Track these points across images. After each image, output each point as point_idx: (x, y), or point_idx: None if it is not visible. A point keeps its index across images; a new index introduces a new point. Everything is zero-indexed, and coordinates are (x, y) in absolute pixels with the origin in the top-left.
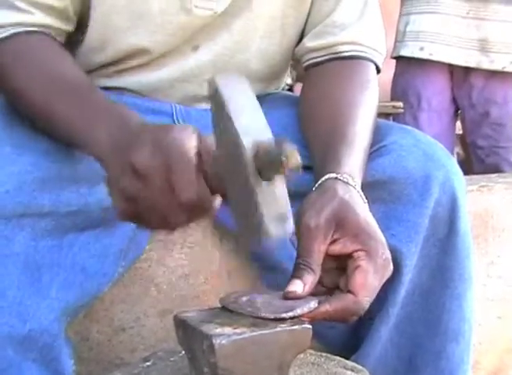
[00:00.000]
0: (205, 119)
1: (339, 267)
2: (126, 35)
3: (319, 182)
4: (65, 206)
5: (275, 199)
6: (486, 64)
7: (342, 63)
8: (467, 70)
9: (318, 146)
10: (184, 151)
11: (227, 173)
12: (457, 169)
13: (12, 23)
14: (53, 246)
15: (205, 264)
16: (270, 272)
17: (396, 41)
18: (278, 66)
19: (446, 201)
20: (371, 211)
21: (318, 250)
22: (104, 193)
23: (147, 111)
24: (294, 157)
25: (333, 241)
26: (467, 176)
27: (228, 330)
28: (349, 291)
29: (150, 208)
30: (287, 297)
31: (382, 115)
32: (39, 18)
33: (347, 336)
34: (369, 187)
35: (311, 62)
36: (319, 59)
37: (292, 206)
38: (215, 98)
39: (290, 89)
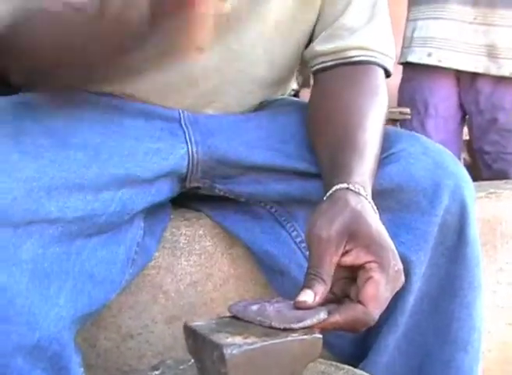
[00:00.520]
0: (212, 124)
1: (350, 276)
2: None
3: (330, 192)
4: (72, 212)
5: None
6: (494, 70)
7: (351, 69)
8: (475, 76)
9: (327, 154)
10: None
11: None
12: (467, 177)
13: None
14: (61, 253)
15: (213, 271)
16: (278, 279)
17: (403, 47)
18: (285, 70)
19: (455, 210)
20: (381, 220)
21: (330, 261)
22: (111, 199)
23: (155, 117)
24: None
25: (345, 252)
26: (475, 183)
27: (238, 339)
28: (359, 302)
29: None
30: (298, 307)
31: (389, 121)
32: None
33: (355, 344)
34: (377, 196)
35: (319, 66)
36: (328, 64)
37: (298, 212)
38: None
39: (296, 94)
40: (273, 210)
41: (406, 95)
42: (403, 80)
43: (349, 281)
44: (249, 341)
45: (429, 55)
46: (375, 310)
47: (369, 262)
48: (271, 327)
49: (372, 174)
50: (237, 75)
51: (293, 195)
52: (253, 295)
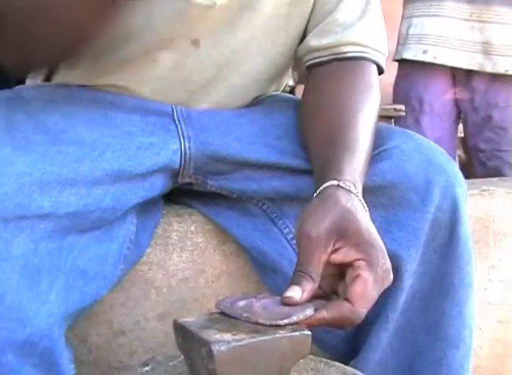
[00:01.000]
0: (205, 120)
1: (338, 273)
2: (122, 24)
3: (320, 189)
4: (64, 207)
5: None
6: (489, 67)
7: (344, 64)
8: (470, 73)
9: (318, 151)
10: None
11: None
12: (459, 175)
13: None
14: (53, 249)
15: (205, 267)
16: (270, 275)
17: (398, 44)
18: (280, 65)
19: (446, 207)
20: (370, 218)
21: (319, 259)
22: (103, 194)
23: (149, 112)
24: None
25: (335, 250)
26: (469, 180)
27: (227, 336)
28: (346, 299)
29: None
30: (285, 302)
31: (383, 118)
32: None
33: (347, 341)
34: (369, 192)
35: (313, 61)
36: (321, 59)
37: (290, 209)
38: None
39: (292, 90)
40: (265, 207)
41: (401, 92)
42: (398, 77)
43: (337, 278)
44: (237, 337)
45: (425, 52)
46: (361, 308)
47: (358, 259)
48: (257, 323)
49: (363, 172)
50: (231, 70)
51: (286, 192)
52: (245, 292)
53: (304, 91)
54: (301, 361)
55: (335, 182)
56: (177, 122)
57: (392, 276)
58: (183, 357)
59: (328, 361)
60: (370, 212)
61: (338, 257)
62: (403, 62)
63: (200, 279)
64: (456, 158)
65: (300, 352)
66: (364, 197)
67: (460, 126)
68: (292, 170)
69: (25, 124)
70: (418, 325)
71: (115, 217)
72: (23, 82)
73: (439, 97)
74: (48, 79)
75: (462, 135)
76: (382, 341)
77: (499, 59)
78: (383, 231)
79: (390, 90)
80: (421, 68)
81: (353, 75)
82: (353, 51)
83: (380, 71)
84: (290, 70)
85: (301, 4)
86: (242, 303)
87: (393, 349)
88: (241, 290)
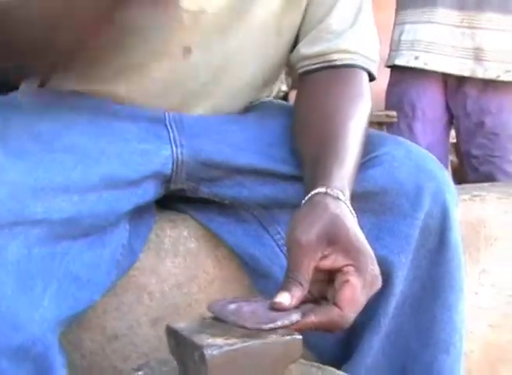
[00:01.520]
0: (197, 126)
1: (328, 278)
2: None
3: (309, 196)
4: (57, 214)
5: None
6: (481, 73)
7: (334, 72)
8: (462, 80)
9: (308, 158)
10: None
11: None
12: (449, 181)
13: None
14: (46, 254)
15: (198, 273)
16: (262, 280)
17: (390, 50)
18: (273, 71)
19: (436, 213)
20: (361, 223)
21: (308, 266)
22: (96, 200)
23: (142, 118)
24: None
25: (324, 257)
26: (460, 186)
27: (219, 340)
28: (335, 304)
29: None
30: (273, 308)
31: (375, 124)
32: None
33: (339, 346)
34: (360, 198)
35: (304, 69)
36: (312, 67)
37: (281, 215)
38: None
39: (285, 96)
40: (257, 213)
41: (393, 98)
42: (390, 83)
43: (327, 283)
44: (230, 341)
45: (416, 58)
46: (349, 313)
47: (347, 265)
48: (243, 327)
49: (352, 179)
50: (224, 76)
51: (277, 199)
52: (237, 296)
53: (296, 98)
54: (292, 365)
55: (323, 189)
56: (169, 128)
57: (380, 282)
58: (176, 362)
59: (320, 365)
60: (360, 218)
61: (327, 263)
62: (395, 69)
63: (193, 284)
64: (449, 164)
65: (292, 356)
66: (354, 203)
67: (453, 132)
68: (283, 177)
69: (18, 130)
70: (409, 330)
71: (108, 223)
72: (16, 88)
73: (431, 103)
74: (42, 86)
75: (454, 140)
76: (374, 346)
77: (490, 65)
78: (374, 237)
79: (383, 96)
80: (413, 74)
81: (343, 83)
82: (343, 59)
83: (371, 78)
84: (284, 76)
85: (292, 10)
86: (232, 306)
87: (385, 354)
88: (234, 295)
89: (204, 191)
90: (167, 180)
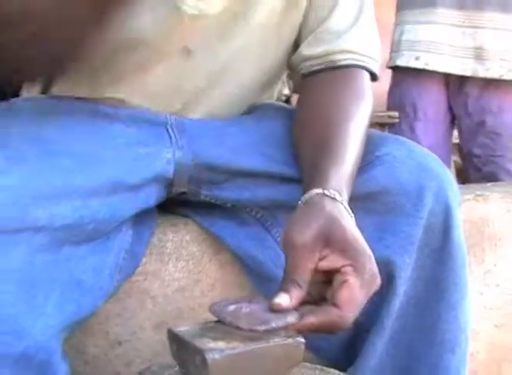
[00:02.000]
0: (198, 129)
1: (327, 279)
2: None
3: (305, 197)
4: (60, 220)
5: None
6: (482, 72)
7: (336, 73)
8: (463, 79)
9: (306, 159)
10: None
11: None
12: (451, 180)
13: None
14: (49, 261)
15: (201, 277)
16: (265, 284)
17: (391, 51)
18: (273, 74)
19: (439, 212)
20: (364, 224)
21: (305, 267)
22: (99, 206)
23: (144, 122)
24: None
25: (322, 258)
26: (463, 185)
27: (221, 344)
28: (334, 305)
29: None
30: (273, 309)
31: (377, 125)
32: None
33: (343, 348)
34: (362, 199)
35: (306, 70)
36: (314, 68)
37: (284, 217)
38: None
39: (288, 99)
40: (259, 215)
41: (395, 99)
42: (392, 84)
43: (326, 284)
44: (231, 345)
45: (417, 58)
46: (349, 313)
47: (345, 265)
48: (238, 328)
49: (351, 179)
50: (224, 79)
51: (279, 200)
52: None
53: (298, 100)
54: (295, 368)
55: (319, 190)
56: (171, 131)
57: (379, 281)
58: (178, 366)
59: (324, 368)
60: (364, 219)
61: (325, 264)
62: (396, 69)
63: (196, 288)
64: (452, 164)
65: (294, 359)
66: (357, 203)
67: (456, 132)
68: (285, 178)
69: (20, 136)
70: (414, 330)
71: (110, 228)
72: (17, 94)
73: (433, 103)
74: (44, 91)
75: (458, 141)
76: (379, 347)
77: (492, 65)
78: (376, 237)
79: (384, 97)
80: (414, 74)
81: (345, 83)
82: (346, 59)
83: (374, 78)
84: (286, 79)
85: (292, 12)
86: (231, 308)
87: (390, 355)
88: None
89: (206, 194)
90: (169, 183)
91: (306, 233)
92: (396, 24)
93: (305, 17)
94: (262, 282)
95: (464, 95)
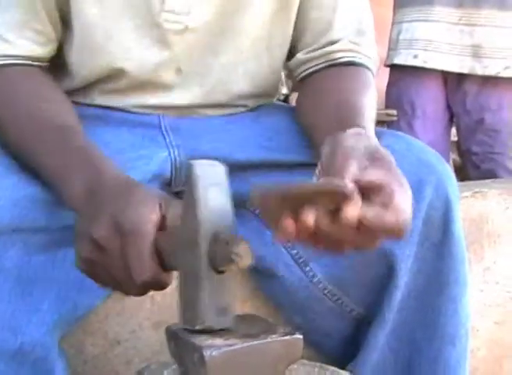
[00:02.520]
0: (194, 128)
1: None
2: (101, 55)
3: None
4: (58, 222)
5: (220, 293)
6: (480, 70)
7: (339, 69)
8: (461, 77)
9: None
10: (141, 233)
11: (182, 256)
12: (450, 173)
13: None
14: (46, 261)
15: None
16: (266, 279)
17: (389, 50)
18: (267, 86)
19: (439, 205)
20: None
21: (353, 174)
22: None
23: (136, 124)
24: (246, 257)
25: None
26: (462, 183)
27: (219, 341)
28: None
29: (106, 274)
30: (338, 191)
31: (375, 122)
32: (25, 48)
33: (344, 343)
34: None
35: (306, 72)
36: (315, 68)
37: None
38: (189, 181)
39: (286, 99)
40: (257, 211)
41: (393, 97)
42: (389, 82)
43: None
44: (229, 342)
45: (415, 56)
46: (405, 215)
47: (388, 182)
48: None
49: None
50: (216, 92)
51: None
52: (241, 298)
53: (299, 96)
54: (295, 365)
55: (355, 129)
56: (165, 133)
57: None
58: (176, 364)
59: (323, 365)
60: None
61: (369, 176)
62: (394, 68)
63: None
64: (451, 162)
65: (293, 356)
66: None
67: (454, 130)
68: (284, 166)
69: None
70: (415, 323)
71: None
72: None
73: (431, 101)
74: None
75: (456, 139)
76: (380, 340)
77: (490, 62)
78: None
79: (382, 95)
80: (412, 72)
81: (350, 76)
82: (346, 57)
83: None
84: (284, 78)
85: (283, 24)
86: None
87: (391, 348)
88: (236, 297)
89: None
90: (167, 182)
91: (358, 144)
92: (394, 23)
93: (302, 29)
94: (263, 278)
95: (462, 93)
